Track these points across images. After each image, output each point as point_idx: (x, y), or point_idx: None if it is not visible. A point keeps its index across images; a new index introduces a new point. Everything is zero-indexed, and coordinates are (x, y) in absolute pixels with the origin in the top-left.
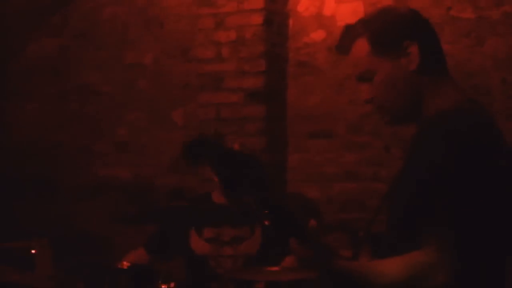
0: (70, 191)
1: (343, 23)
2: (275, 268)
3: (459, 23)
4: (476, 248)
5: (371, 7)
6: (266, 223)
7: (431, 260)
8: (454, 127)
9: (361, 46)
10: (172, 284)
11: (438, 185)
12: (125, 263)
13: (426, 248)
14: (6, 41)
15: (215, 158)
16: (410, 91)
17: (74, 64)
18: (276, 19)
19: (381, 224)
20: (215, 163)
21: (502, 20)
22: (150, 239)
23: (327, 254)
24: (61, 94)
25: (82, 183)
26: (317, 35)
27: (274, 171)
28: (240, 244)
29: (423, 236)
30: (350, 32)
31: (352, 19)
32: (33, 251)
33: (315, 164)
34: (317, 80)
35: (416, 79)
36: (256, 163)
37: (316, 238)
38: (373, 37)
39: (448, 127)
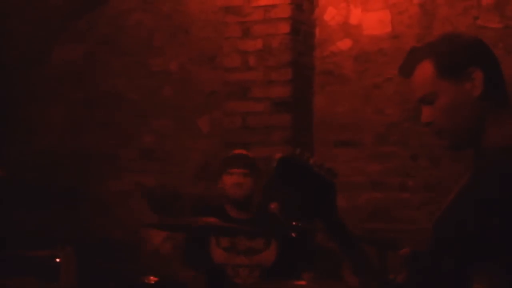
0: (95, 198)
1: (369, 32)
2: (301, 282)
3: (486, 33)
4: None
5: (398, 16)
6: (293, 235)
7: None
8: None
9: (426, 69)
10: None
11: (493, 222)
12: (152, 277)
13: (477, 283)
14: (32, 47)
15: (306, 178)
16: (472, 117)
17: (100, 70)
18: (303, 28)
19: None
20: (300, 187)
21: None
22: (181, 252)
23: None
24: (87, 100)
25: (108, 190)
26: (344, 44)
27: None
28: (255, 255)
29: (474, 274)
30: (414, 55)
31: (378, 28)
32: (57, 260)
33: (341, 174)
34: (344, 89)
35: (479, 106)
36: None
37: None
38: (439, 60)
39: (508, 164)
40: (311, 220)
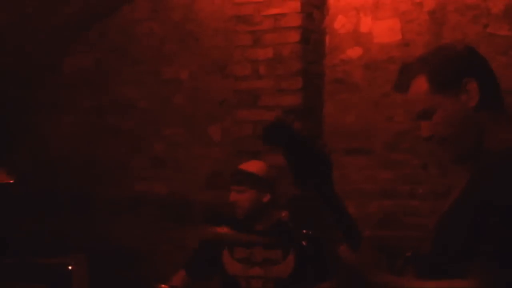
0: (106, 206)
1: (379, 40)
2: None
3: (495, 40)
4: None
5: (407, 24)
6: (304, 243)
7: None
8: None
9: (420, 85)
10: None
11: (491, 222)
12: (163, 286)
13: (471, 278)
14: (44, 56)
15: (293, 143)
16: (471, 128)
17: (111, 79)
18: (313, 37)
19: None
20: (291, 148)
21: None
22: (189, 261)
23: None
24: (98, 108)
25: (119, 198)
26: (354, 52)
27: None
28: (271, 266)
29: (470, 267)
30: (407, 71)
31: (388, 36)
32: (70, 267)
33: (351, 181)
34: (354, 97)
35: (476, 116)
36: (326, 156)
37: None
38: (431, 75)
39: (505, 167)
40: (304, 187)
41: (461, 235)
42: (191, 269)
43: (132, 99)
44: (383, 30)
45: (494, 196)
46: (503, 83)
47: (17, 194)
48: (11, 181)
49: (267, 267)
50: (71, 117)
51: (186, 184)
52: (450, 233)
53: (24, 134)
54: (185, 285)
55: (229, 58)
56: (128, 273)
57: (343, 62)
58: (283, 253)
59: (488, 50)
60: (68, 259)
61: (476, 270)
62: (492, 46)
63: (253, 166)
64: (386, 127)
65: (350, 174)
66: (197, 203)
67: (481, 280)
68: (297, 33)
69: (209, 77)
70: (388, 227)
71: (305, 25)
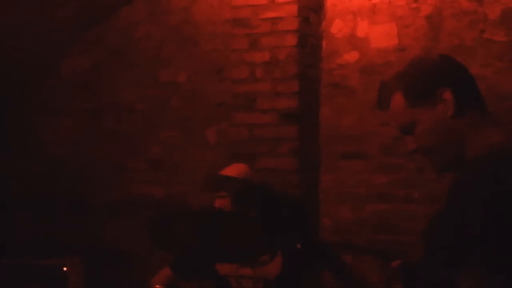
0: (102, 208)
1: (376, 45)
2: None
3: (492, 46)
4: None
5: (404, 28)
6: (298, 246)
7: None
8: (494, 172)
9: (398, 101)
10: None
11: (476, 231)
12: (157, 286)
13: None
14: (41, 58)
15: (260, 204)
16: (452, 136)
17: (108, 81)
18: (310, 41)
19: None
20: (259, 209)
21: None
22: (175, 258)
23: None
24: (95, 111)
25: (115, 200)
26: (350, 57)
27: (306, 192)
28: (259, 267)
29: (459, 276)
30: (385, 89)
31: (385, 41)
32: (65, 269)
33: (347, 185)
34: (350, 101)
35: (456, 123)
36: (297, 208)
37: (351, 275)
38: (406, 90)
39: (488, 173)
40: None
41: (448, 243)
42: (177, 266)
43: (129, 101)
44: (380, 34)
45: (474, 204)
46: (500, 88)
47: (14, 196)
48: None
49: (255, 267)
50: (68, 119)
51: (182, 187)
52: (438, 241)
53: (21, 136)
54: (171, 283)
55: (226, 61)
56: (124, 275)
57: (339, 66)
58: (270, 254)
59: (485, 55)
60: (63, 261)
61: (467, 276)
62: (489, 52)
63: (231, 170)
64: (382, 131)
65: (346, 178)
66: (193, 206)
67: (473, 286)
68: (294, 37)
69: (206, 80)
70: (383, 231)
71: (302, 29)
